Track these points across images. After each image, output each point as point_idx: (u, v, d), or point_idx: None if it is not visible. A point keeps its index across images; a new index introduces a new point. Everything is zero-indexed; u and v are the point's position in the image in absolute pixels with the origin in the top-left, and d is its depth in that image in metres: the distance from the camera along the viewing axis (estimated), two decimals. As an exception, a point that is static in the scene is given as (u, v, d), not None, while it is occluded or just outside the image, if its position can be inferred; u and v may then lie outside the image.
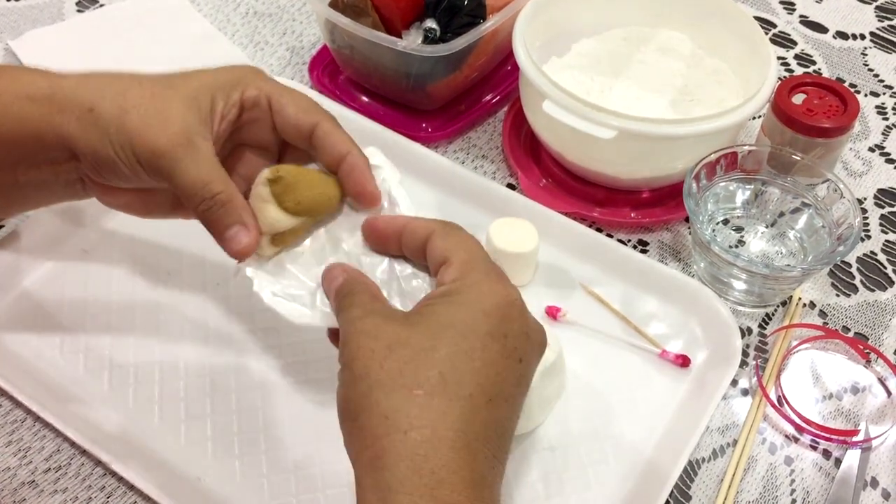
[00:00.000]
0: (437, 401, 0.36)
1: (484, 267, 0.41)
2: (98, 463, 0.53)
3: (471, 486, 0.35)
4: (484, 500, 0.36)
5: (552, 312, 0.61)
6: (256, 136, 0.49)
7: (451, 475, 0.35)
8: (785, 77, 0.71)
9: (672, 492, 0.53)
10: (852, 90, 0.70)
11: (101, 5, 0.87)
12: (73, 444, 0.54)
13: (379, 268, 0.45)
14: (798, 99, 0.67)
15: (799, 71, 0.84)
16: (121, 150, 0.44)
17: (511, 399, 0.39)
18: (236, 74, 0.47)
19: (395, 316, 0.40)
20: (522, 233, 0.61)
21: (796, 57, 0.86)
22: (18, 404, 0.55)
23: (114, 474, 0.53)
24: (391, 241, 0.45)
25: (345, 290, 0.42)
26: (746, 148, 0.65)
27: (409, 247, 0.44)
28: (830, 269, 0.67)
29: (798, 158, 0.64)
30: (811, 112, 0.65)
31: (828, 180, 0.63)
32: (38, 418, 0.54)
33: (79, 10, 0.87)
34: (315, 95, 0.69)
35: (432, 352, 0.38)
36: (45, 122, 0.45)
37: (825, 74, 0.84)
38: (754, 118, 0.77)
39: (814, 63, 0.85)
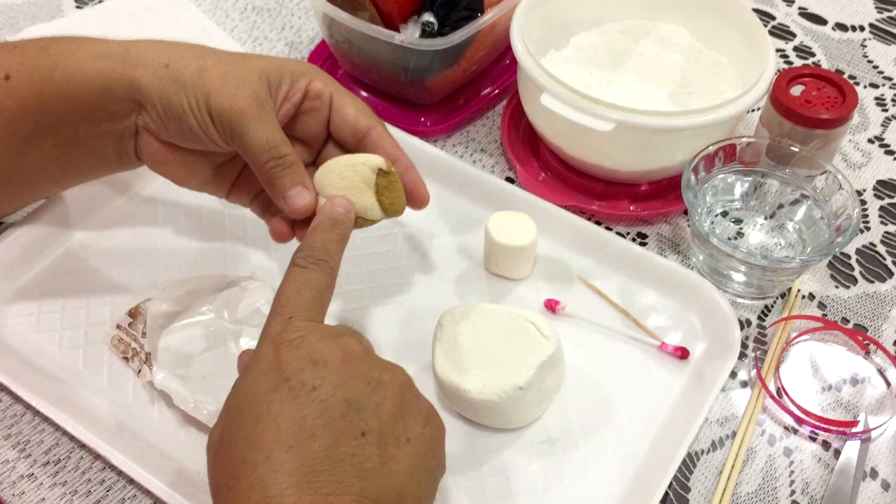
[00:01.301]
0: (245, 480, 0.37)
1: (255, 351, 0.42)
2: (97, 457, 0.53)
3: None
4: None
5: (551, 305, 0.61)
6: (307, 126, 0.51)
7: None
8: (784, 69, 0.71)
9: (671, 483, 0.53)
10: (851, 82, 0.70)
11: (100, 1, 0.87)
12: (72, 437, 0.54)
13: None
14: (796, 90, 0.67)
15: (798, 63, 0.84)
16: (195, 103, 0.46)
17: (325, 429, 0.38)
18: (303, 65, 0.51)
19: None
20: (521, 226, 0.61)
21: (795, 49, 0.86)
22: (18, 399, 0.55)
23: (113, 468, 0.53)
24: None
25: None
26: (745, 140, 0.64)
27: None
28: (829, 261, 0.67)
29: (796, 150, 0.64)
30: (809, 103, 0.65)
31: (826, 171, 0.63)
32: (37, 412, 0.55)
33: (77, 7, 0.87)
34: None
35: (234, 438, 0.38)
36: (116, 74, 0.47)
37: (824, 66, 0.84)
38: (753, 110, 0.76)
39: (813, 55, 0.85)
